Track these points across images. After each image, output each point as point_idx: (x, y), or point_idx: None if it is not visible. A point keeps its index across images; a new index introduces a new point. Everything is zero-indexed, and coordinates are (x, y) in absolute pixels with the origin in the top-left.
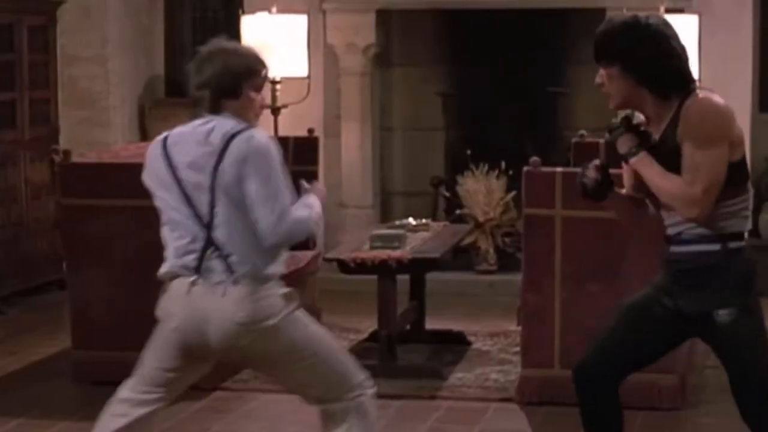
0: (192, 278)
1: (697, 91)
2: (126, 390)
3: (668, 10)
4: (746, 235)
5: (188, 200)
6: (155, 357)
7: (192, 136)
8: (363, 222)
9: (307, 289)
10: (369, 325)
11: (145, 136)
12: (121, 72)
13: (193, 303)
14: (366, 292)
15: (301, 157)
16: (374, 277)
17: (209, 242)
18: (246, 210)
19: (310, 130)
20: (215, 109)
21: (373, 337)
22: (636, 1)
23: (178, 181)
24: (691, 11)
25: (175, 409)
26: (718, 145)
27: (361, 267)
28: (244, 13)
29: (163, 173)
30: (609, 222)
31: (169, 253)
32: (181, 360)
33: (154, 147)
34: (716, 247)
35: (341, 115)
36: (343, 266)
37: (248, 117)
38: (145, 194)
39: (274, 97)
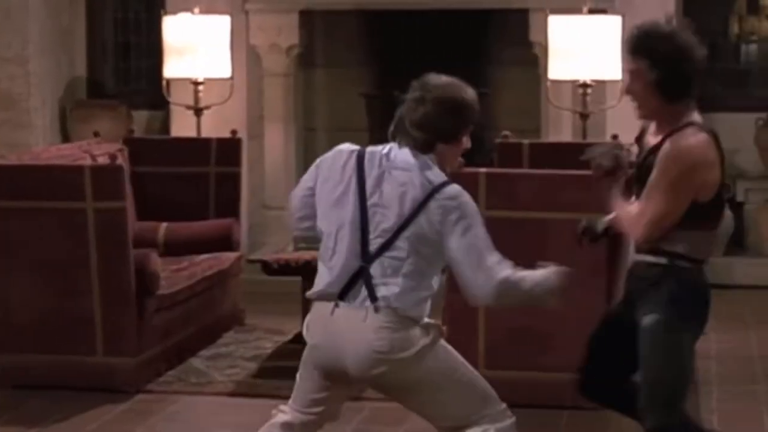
0: (335, 301)
1: (688, 129)
2: (285, 408)
3: (591, 11)
4: (702, 263)
5: (362, 223)
6: (301, 376)
7: (377, 160)
8: (287, 223)
9: (231, 290)
10: (293, 326)
11: (67, 137)
12: (41, 73)
13: (335, 325)
14: (290, 293)
15: (224, 158)
16: (298, 278)
17: (363, 269)
18: (416, 251)
19: (233, 132)
20: (426, 150)
21: (297, 338)
22: (559, 1)
23: (361, 202)
24: (614, 12)
25: (98, 411)
26: (679, 190)
27: (285, 268)
28: (166, 13)
29: (348, 189)
30: (531, 222)
31: (321, 273)
32: (323, 380)
33: (347, 158)
34: (663, 260)
35: (264, 116)
36: (267, 267)
37: (450, 163)
38: (66, 197)
39: (196, 99)
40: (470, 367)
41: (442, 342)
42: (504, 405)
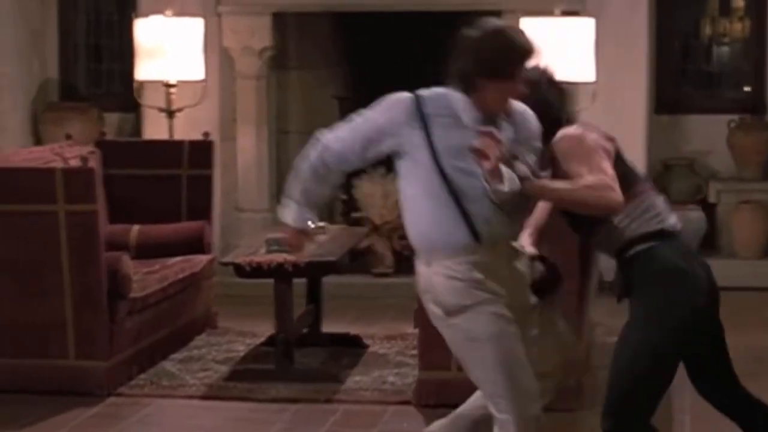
0: None
1: None
2: None
3: (564, 13)
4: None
5: None
6: None
7: None
8: (259, 225)
9: (203, 293)
10: (266, 329)
11: (39, 140)
12: (13, 75)
13: None
14: (262, 296)
15: (197, 160)
16: (271, 280)
17: None
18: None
19: (206, 134)
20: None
21: (269, 341)
22: (531, 4)
23: None
24: (586, 14)
25: (69, 415)
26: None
27: (258, 271)
28: (138, 15)
29: None
30: None
31: None
32: None
33: None
34: None
35: (237, 118)
36: (239, 270)
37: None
38: (38, 199)
39: (169, 101)
40: (504, 347)
41: (490, 308)
42: (508, 416)
